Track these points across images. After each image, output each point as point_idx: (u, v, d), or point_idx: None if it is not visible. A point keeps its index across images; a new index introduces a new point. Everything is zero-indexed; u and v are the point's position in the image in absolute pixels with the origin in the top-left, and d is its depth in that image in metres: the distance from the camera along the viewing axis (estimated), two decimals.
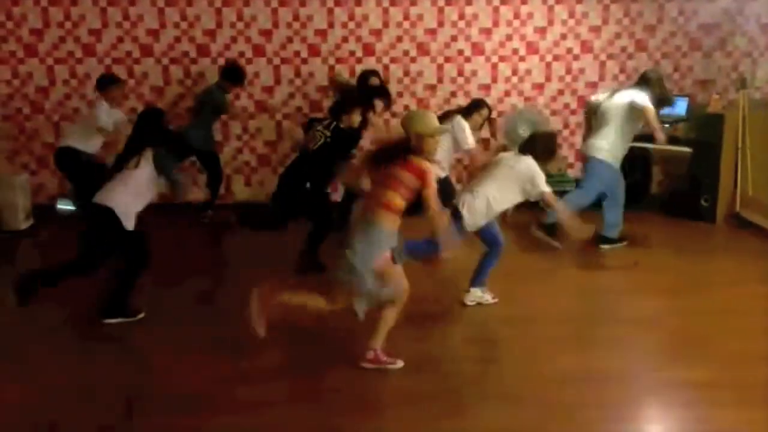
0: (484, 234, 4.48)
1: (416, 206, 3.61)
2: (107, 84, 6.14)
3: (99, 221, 4.25)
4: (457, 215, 4.34)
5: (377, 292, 3.54)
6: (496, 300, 4.62)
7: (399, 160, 3.54)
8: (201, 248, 6.30)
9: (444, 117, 5.58)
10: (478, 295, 4.60)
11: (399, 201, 3.53)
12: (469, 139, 5.70)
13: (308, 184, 5.29)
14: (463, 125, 5.71)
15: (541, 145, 4.57)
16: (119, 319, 4.34)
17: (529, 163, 4.47)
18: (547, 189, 4.44)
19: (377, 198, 3.55)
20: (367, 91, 6.11)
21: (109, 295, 4.36)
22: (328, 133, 5.16)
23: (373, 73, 6.56)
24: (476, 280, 4.59)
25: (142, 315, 4.40)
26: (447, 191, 5.39)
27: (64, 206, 6.65)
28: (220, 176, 6.88)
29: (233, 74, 6.57)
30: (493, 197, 4.39)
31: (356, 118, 5.32)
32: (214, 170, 6.79)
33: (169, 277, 5.20)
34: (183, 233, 6.49)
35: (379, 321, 3.67)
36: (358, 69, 6.97)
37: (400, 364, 3.71)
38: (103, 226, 4.25)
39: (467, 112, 5.87)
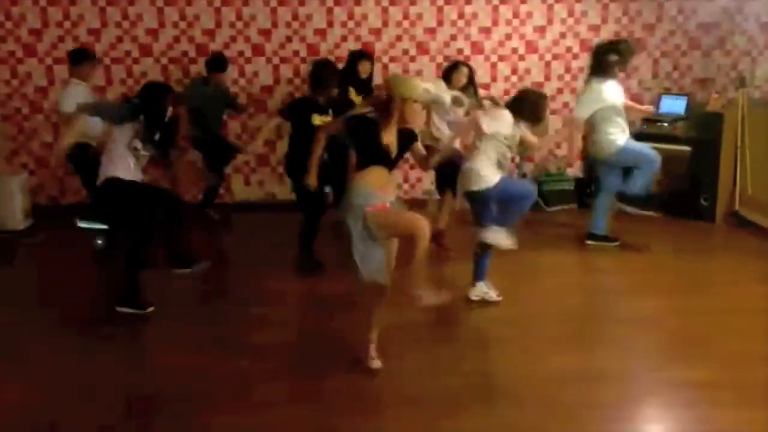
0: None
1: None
2: (83, 59, 5.74)
3: (107, 193, 4.31)
4: (477, 197, 4.35)
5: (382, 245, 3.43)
6: (500, 298, 4.59)
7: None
8: (201, 248, 6.27)
9: None
10: (483, 290, 4.58)
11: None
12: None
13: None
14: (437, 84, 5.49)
15: (526, 104, 4.42)
16: (130, 310, 4.37)
17: (502, 113, 4.37)
18: (483, 124, 4.29)
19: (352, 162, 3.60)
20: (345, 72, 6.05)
21: (122, 279, 4.40)
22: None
23: (365, 56, 6.28)
24: (478, 273, 4.58)
25: (152, 309, 4.43)
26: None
27: (87, 225, 5.76)
28: (222, 177, 6.87)
29: (214, 62, 6.46)
30: (488, 157, 4.34)
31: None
32: (217, 170, 6.76)
33: (170, 277, 5.18)
34: (183, 233, 6.46)
35: (411, 265, 3.40)
36: None
37: (377, 364, 3.66)
38: (112, 195, 4.31)
39: (445, 76, 5.70)
